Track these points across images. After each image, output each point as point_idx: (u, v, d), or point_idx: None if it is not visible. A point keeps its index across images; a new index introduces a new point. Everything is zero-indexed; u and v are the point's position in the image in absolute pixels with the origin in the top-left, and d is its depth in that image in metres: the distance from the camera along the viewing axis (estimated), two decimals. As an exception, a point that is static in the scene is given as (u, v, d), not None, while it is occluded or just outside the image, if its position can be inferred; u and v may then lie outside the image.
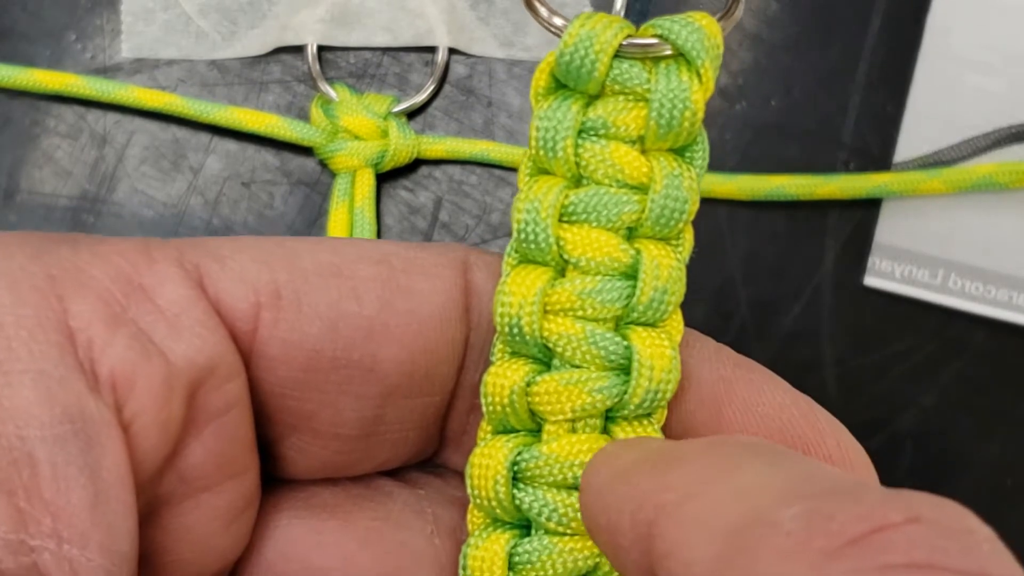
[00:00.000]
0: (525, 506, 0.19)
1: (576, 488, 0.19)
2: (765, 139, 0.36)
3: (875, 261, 0.35)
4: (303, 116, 0.36)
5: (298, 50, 0.36)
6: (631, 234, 0.19)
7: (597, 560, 0.19)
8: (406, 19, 0.36)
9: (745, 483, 0.14)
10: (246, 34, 0.36)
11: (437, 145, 0.35)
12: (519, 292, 0.19)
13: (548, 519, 0.19)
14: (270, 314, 0.19)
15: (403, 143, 0.35)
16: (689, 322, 0.20)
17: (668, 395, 0.19)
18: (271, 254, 0.19)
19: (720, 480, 0.14)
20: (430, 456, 0.22)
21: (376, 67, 0.36)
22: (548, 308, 0.19)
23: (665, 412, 0.20)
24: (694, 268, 0.36)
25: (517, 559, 0.19)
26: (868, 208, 0.35)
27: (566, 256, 0.19)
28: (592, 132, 0.19)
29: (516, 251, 0.19)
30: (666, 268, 0.19)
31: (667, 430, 0.20)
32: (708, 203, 0.35)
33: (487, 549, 0.19)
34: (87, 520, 0.17)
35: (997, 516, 0.39)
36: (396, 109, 0.35)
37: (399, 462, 0.21)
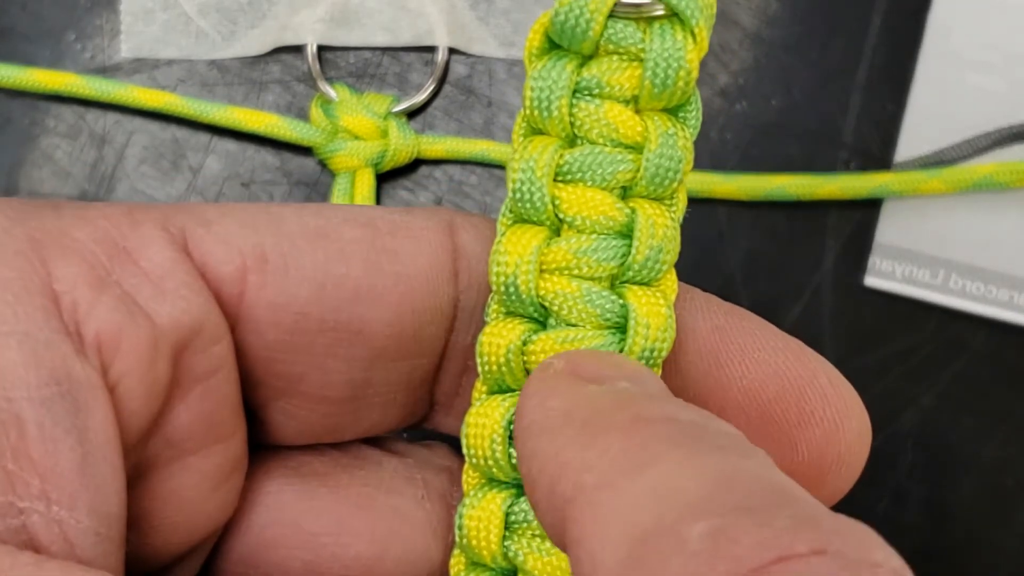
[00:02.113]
0: None
1: None
2: (765, 139, 0.36)
3: (875, 261, 0.35)
4: (303, 116, 0.36)
5: (298, 50, 0.36)
6: (626, 193, 0.19)
7: None
8: (406, 19, 0.36)
9: (661, 481, 0.14)
10: (246, 34, 0.36)
11: (437, 145, 0.35)
12: (515, 251, 0.19)
13: None
14: (257, 277, 0.19)
15: (403, 143, 0.35)
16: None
17: (664, 353, 0.19)
18: (256, 218, 0.19)
19: (637, 472, 0.14)
20: (420, 420, 0.22)
21: (376, 67, 0.36)
22: (543, 267, 0.19)
23: (660, 371, 0.19)
24: (694, 268, 0.36)
25: (513, 518, 0.19)
26: (868, 208, 0.35)
27: (561, 215, 0.19)
28: (586, 92, 0.19)
29: (511, 211, 0.19)
30: (661, 227, 0.19)
31: (668, 385, 0.20)
32: (708, 203, 0.35)
33: (483, 508, 0.19)
34: (76, 482, 0.17)
35: (997, 516, 0.39)
36: (396, 109, 0.35)
37: (388, 426, 0.21)
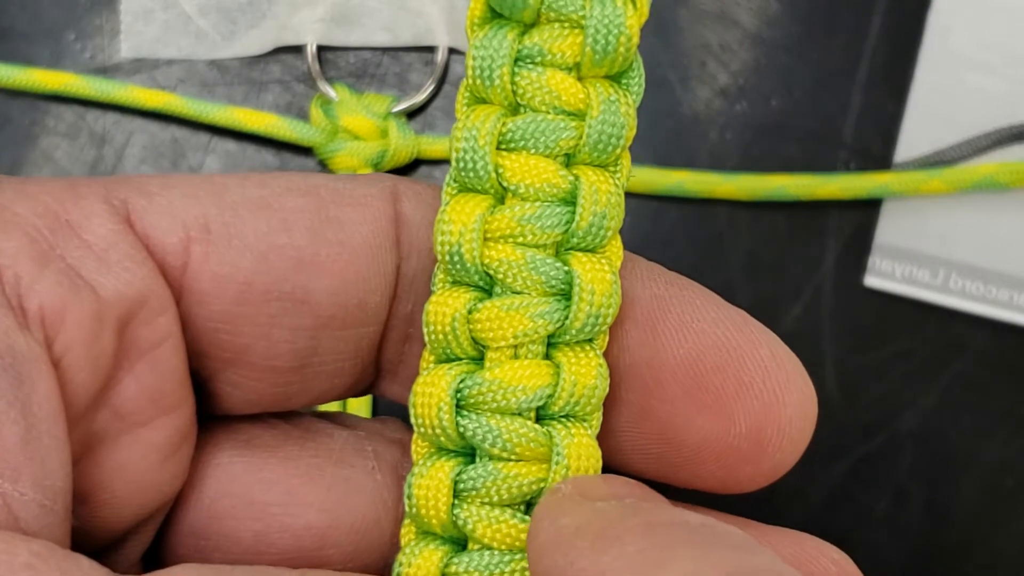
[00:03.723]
0: (469, 433, 0.19)
1: (520, 414, 0.19)
2: (765, 139, 0.36)
3: (876, 261, 0.35)
4: (303, 116, 0.36)
5: (298, 50, 0.36)
6: (569, 161, 0.19)
7: (542, 485, 0.19)
8: (406, 18, 0.36)
9: None
10: (246, 34, 0.36)
11: (437, 145, 0.35)
12: (459, 220, 0.19)
13: (492, 445, 0.19)
14: (200, 248, 0.19)
15: (403, 143, 0.35)
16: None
17: (609, 319, 0.19)
18: (199, 189, 0.19)
19: (654, 571, 0.14)
20: (367, 388, 0.22)
21: (376, 67, 0.36)
22: (488, 235, 0.19)
23: (606, 338, 0.20)
24: (694, 268, 0.36)
25: (462, 486, 0.19)
26: (869, 208, 0.35)
27: (505, 183, 0.19)
28: (528, 60, 0.19)
29: (455, 180, 0.19)
30: (604, 193, 0.19)
31: (605, 353, 0.20)
32: (708, 203, 0.35)
33: (432, 477, 0.19)
34: (19, 455, 0.17)
35: (997, 516, 0.39)
36: (396, 109, 0.35)
37: (336, 394, 0.21)
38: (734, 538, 0.15)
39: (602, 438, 0.20)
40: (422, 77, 0.36)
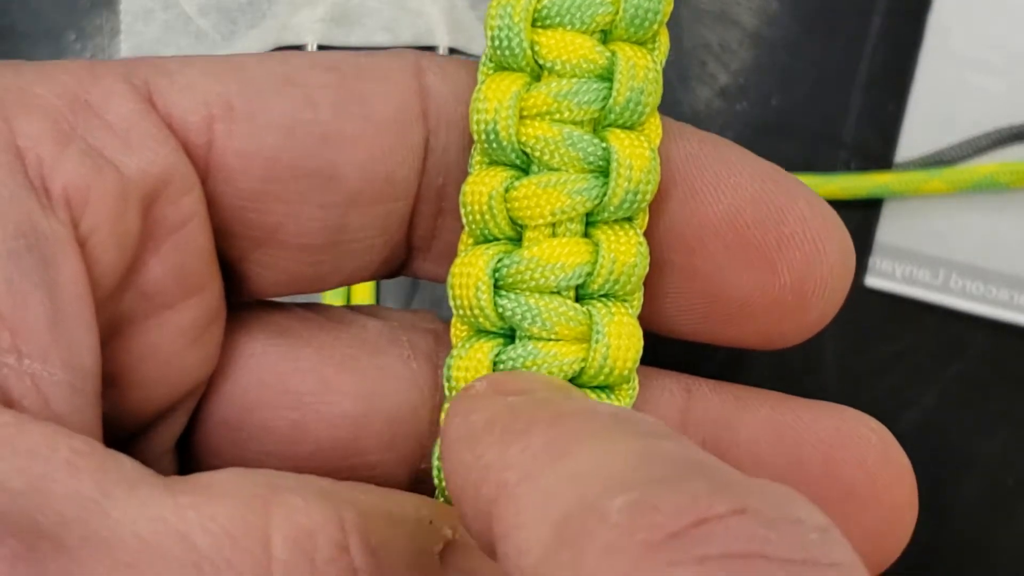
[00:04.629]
0: (508, 313, 0.19)
1: (558, 293, 0.19)
2: (765, 139, 0.36)
3: (876, 261, 0.35)
4: (303, 116, 0.36)
5: (298, 49, 0.36)
6: (606, 37, 0.19)
7: (582, 365, 0.19)
8: (406, 19, 0.36)
9: (581, 466, 0.14)
10: (246, 34, 0.36)
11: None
12: (494, 97, 0.19)
13: (532, 324, 0.19)
14: (224, 126, 0.19)
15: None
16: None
17: (648, 196, 0.19)
18: (220, 67, 0.19)
19: (558, 462, 0.14)
20: (399, 268, 0.22)
21: (376, 67, 0.36)
22: (524, 113, 0.19)
23: (647, 216, 0.19)
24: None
25: (501, 367, 0.19)
26: (869, 208, 0.35)
27: (540, 60, 0.19)
28: None
29: (490, 59, 0.19)
30: (642, 69, 0.19)
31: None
32: (708, 203, 0.35)
33: (471, 358, 0.19)
34: (47, 336, 0.16)
35: (997, 516, 0.39)
36: (396, 109, 0.35)
37: (368, 273, 0.21)
38: (644, 424, 0.15)
39: (647, 302, 0.20)
40: (422, 77, 0.36)
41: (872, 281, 0.35)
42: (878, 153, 0.35)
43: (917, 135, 0.35)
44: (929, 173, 0.34)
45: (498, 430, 0.15)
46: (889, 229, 0.35)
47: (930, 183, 0.34)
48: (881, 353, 0.35)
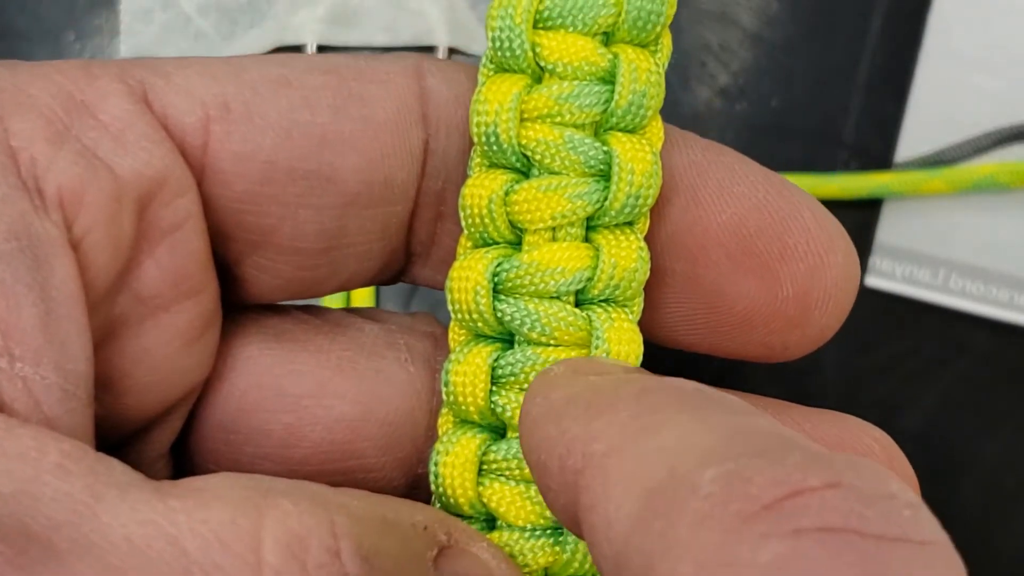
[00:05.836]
0: (507, 318, 0.19)
1: (558, 298, 0.19)
2: (765, 139, 0.36)
3: (876, 261, 0.35)
4: (303, 116, 0.35)
5: (298, 50, 0.36)
6: (608, 39, 0.19)
7: None
8: (406, 19, 0.36)
9: (670, 440, 0.14)
10: (245, 34, 0.36)
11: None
12: (495, 99, 0.19)
13: (531, 329, 0.19)
14: (220, 127, 0.18)
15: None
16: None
17: (650, 201, 0.19)
18: (218, 68, 0.19)
19: (646, 435, 0.14)
20: (397, 273, 0.22)
21: (376, 67, 0.36)
22: (525, 115, 0.19)
23: (647, 221, 0.19)
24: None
25: (500, 372, 0.19)
26: (869, 208, 0.35)
27: (542, 62, 0.19)
28: None
29: (491, 61, 0.19)
30: (644, 71, 0.19)
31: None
32: (708, 203, 0.35)
33: (469, 363, 0.19)
34: (39, 338, 0.16)
35: (999, 515, 0.39)
36: (396, 109, 0.35)
37: (366, 278, 0.21)
38: (731, 403, 0.15)
39: (649, 312, 0.19)
40: (422, 77, 0.36)
41: (872, 281, 0.35)
42: (878, 153, 0.35)
43: (917, 135, 0.35)
44: (929, 173, 0.34)
45: (582, 405, 0.15)
46: (889, 229, 0.35)
47: (930, 183, 0.34)
48: (881, 353, 0.35)
